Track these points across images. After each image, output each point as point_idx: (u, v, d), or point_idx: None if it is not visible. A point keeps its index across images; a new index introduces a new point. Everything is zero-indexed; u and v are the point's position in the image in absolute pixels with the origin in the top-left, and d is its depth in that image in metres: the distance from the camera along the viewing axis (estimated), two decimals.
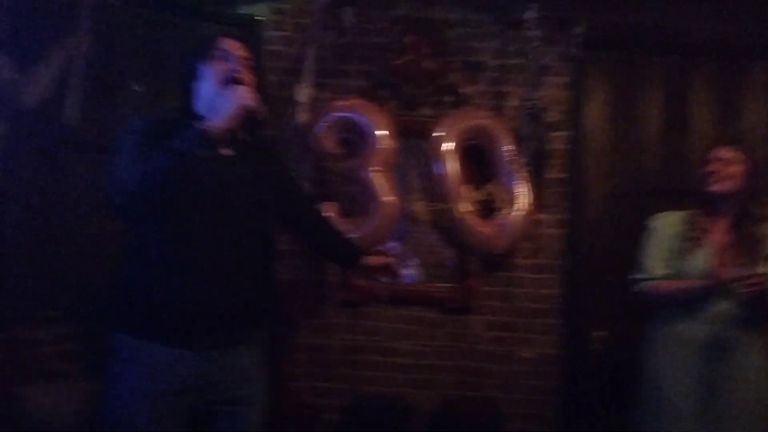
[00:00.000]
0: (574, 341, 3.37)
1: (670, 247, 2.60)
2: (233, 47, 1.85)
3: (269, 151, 2.08)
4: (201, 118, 1.73)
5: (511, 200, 3.26)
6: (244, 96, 1.71)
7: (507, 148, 3.27)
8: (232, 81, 1.76)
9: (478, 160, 3.33)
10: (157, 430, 1.72)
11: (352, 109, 3.26)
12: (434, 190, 3.31)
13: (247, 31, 3.40)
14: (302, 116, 3.22)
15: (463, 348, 3.41)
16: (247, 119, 1.74)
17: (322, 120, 3.24)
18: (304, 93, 3.24)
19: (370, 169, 3.20)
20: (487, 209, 3.31)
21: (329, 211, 3.19)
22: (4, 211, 2.69)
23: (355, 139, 3.27)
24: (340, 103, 3.28)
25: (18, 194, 2.73)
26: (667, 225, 2.67)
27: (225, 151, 1.83)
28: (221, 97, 1.73)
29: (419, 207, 3.42)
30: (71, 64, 2.74)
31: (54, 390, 2.82)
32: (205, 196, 1.75)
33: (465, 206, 3.25)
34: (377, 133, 3.22)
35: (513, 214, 3.25)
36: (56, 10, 2.75)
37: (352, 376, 3.39)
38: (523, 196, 3.26)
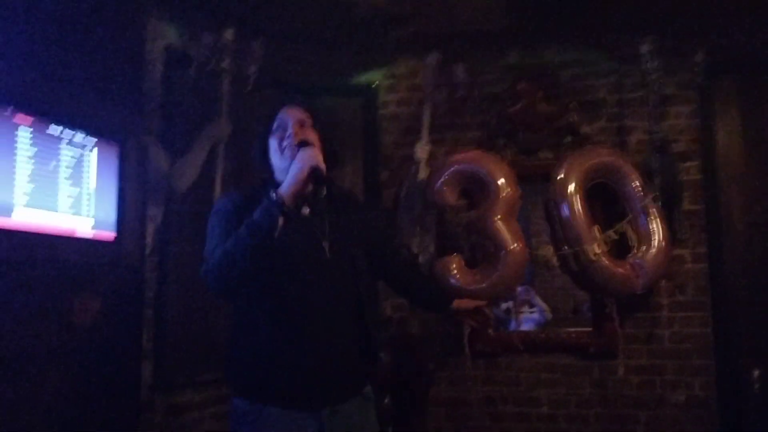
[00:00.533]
0: (730, 381, 3.15)
1: None
2: (290, 113, 1.89)
3: (350, 202, 2.06)
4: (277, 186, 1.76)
5: (645, 238, 3.15)
6: (305, 158, 1.73)
7: (635, 183, 3.18)
8: (296, 146, 1.80)
9: (607, 199, 3.25)
10: None
11: (470, 160, 3.31)
12: (562, 233, 3.26)
13: (364, 99, 3.59)
14: (422, 172, 3.31)
15: (608, 394, 3.28)
16: (316, 177, 1.74)
17: (442, 174, 3.31)
18: (422, 150, 3.33)
19: (494, 218, 3.22)
20: (621, 249, 3.21)
21: (454, 264, 3.23)
22: (164, 286, 2.97)
23: (476, 189, 3.30)
24: (459, 155, 3.34)
25: (175, 269, 3.00)
26: None
27: (305, 211, 1.85)
28: (286, 162, 1.80)
29: (548, 252, 3.38)
30: (215, 148, 3.01)
31: None
32: (294, 258, 1.79)
33: (597, 248, 3.17)
34: (498, 181, 3.23)
35: (649, 251, 3.13)
36: (198, 102, 3.05)
37: (493, 428, 3.35)
38: (657, 232, 3.13)
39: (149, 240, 2.84)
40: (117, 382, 2.66)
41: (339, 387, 1.82)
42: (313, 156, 1.74)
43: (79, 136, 2.36)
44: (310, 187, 1.78)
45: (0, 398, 2.11)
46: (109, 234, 2.55)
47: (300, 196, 1.74)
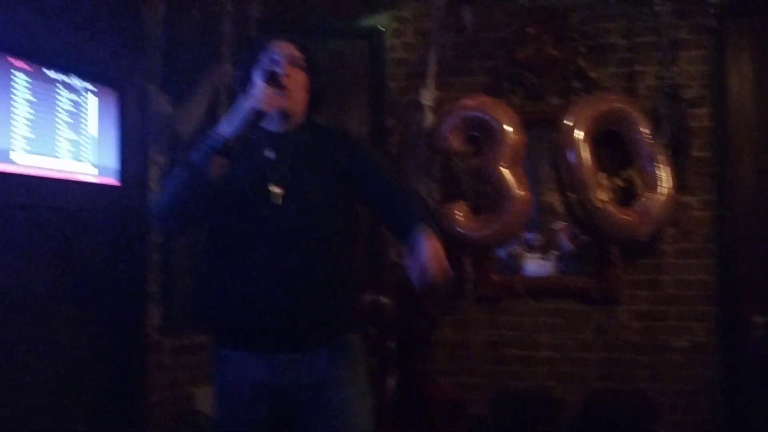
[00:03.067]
0: (732, 328, 3.17)
1: None
2: (281, 47, 1.74)
3: (337, 143, 1.83)
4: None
5: (652, 184, 3.12)
6: (252, 97, 1.63)
7: (644, 130, 3.13)
8: (268, 80, 1.66)
9: (614, 145, 3.21)
10: None
11: (477, 106, 3.27)
12: (568, 180, 3.23)
13: (370, 43, 3.52)
14: (428, 118, 3.28)
15: (610, 340, 3.31)
16: (257, 119, 1.63)
17: (448, 120, 3.28)
18: (428, 95, 3.30)
19: (499, 164, 3.20)
20: (627, 196, 3.19)
21: (459, 210, 3.23)
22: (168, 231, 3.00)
23: (482, 136, 3.27)
24: (465, 101, 3.30)
25: None
26: None
27: (269, 154, 1.73)
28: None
29: (553, 199, 3.36)
30: (218, 93, 2.99)
31: None
32: (238, 202, 1.69)
33: (603, 194, 3.15)
34: (504, 128, 3.20)
35: (655, 198, 3.11)
36: (201, 46, 3.02)
37: (496, 371, 3.42)
38: (664, 179, 3.10)
39: (154, 186, 2.85)
40: (123, 324, 2.72)
41: (291, 335, 1.68)
42: (260, 95, 1.62)
43: (76, 81, 2.35)
44: (251, 129, 1.65)
45: (4, 340, 2.18)
46: (112, 180, 2.57)
47: (240, 136, 1.62)
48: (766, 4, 3.18)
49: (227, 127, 1.61)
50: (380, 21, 3.54)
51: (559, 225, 3.76)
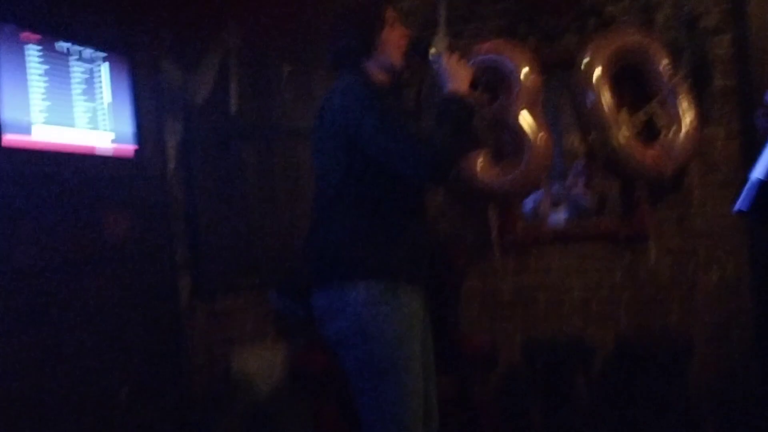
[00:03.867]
0: (762, 260, 3.11)
1: None
2: (393, 12, 1.95)
3: None
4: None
5: (675, 119, 3.05)
6: (465, 71, 1.89)
7: (664, 63, 3.05)
8: (423, 49, 1.94)
9: (635, 81, 3.14)
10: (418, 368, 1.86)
11: (492, 51, 3.21)
12: (589, 120, 3.18)
13: None
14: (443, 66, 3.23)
15: (641, 279, 3.29)
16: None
17: None
18: (441, 43, 3.23)
19: (518, 108, 3.15)
20: (651, 132, 3.12)
21: (480, 159, 3.21)
22: (193, 196, 3.04)
23: (498, 81, 3.22)
24: (479, 46, 3.24)
25: (203, 181, 3.07)
26: None
27: None
28: (403, 63, 1.92)
29: (575, 140, 3.31)
30: (228, 59, 2.98)
31: (256, 351, 3.16)
32: None
33: (624, 132, 3.09)
34: (520, 70, 3.14)
35: (679, 133, 3.04)
36: (207, 14, 3.00)
37: (525, 319, 3.42)
38: (687, 112, 3.03)
39: (171, 153, 2.88)
40: (155, 291, 2.78)
41: (428, 266, 1.96)
42: (466, 66, 1.91)
43: (88, 52, 2.36)
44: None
45: (41, 311, 2.24)
46: (129, 148, 2.60)
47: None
48: None
49: (460, 91, 1.87)
50: None
51: (575, 172, 3.72)
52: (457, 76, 1.87)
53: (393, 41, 1.90)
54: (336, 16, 1.96)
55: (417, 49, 1.95)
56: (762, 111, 2.06)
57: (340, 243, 1.86)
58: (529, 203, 3.64)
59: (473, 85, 1.90)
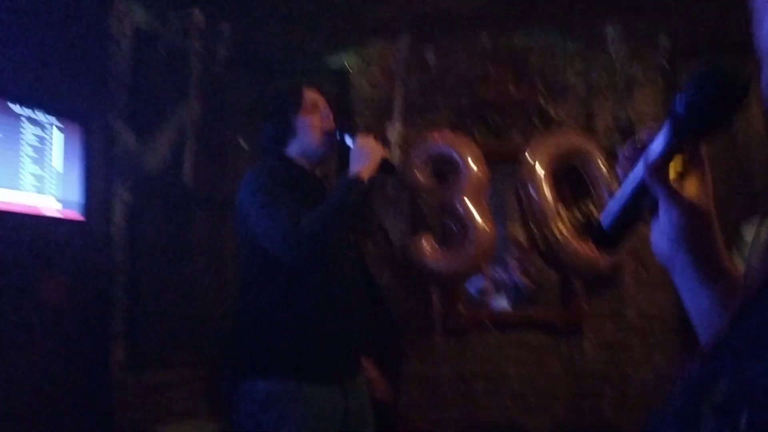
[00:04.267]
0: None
1: None
2: (316, 95, 1.92)
3: None
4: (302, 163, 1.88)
5: None
6: (375, 147, 1.84)
7: (601, 166, 3.24)
8: (341, 132, 1.89)
9: (574, 180, 3.31)
10: None
11: (442, 142, 3.35)
12: (529, 212, 3.32)
13: (336, 80, 3.61)
14: (394, 154, 3.34)
15: (577, 370, 3.34)
16: (385, 167, 1.87)
17: (414, 156, 3.35)
18: (394, 132, 3.37)
19: (463, 198, 3.27)
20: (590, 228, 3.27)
21: (427, 243, 3.28)
22: (135, 266, 2.99)
23: (447, 170, 3.35)
24: (430, 137, 3.38)
25: (147, 250, 3.03)
26: None
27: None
28: (324, 147, 1.88)
29: (517, 231, 3.43)
30: (184, 128, 3.02)
31: (186, 428, 3.05)
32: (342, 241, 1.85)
33: (561, 227, 3.24)
34: (467, 162, 3.29)
35: None
36: (167, 81, 3.06)
37: (464, 404, 3.41)
38: None
39: (119, 221, 2.85)
40: (86, 362, 2.68)
41: (355, 361, 1.88)
42: (380, 147, 1.85)
43: (41, 115, 2.37)
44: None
45: None
46: (75, 214, 2.57)
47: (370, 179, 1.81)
48: (715, 47, 3.33)
49: (364, 170, 1.80)
50: (346, 60, 3.63)
51: (512, 259, 3.84)
52: (363, 157, 1.81)
53: (313, 125, 1.86)
54: (262, 102, 2.00)
55: (341, 132, 1.90)
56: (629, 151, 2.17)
57: (244, 335, 1.79)
58: (470, 287, 3.72)
59: (385, 167, 1.86)
